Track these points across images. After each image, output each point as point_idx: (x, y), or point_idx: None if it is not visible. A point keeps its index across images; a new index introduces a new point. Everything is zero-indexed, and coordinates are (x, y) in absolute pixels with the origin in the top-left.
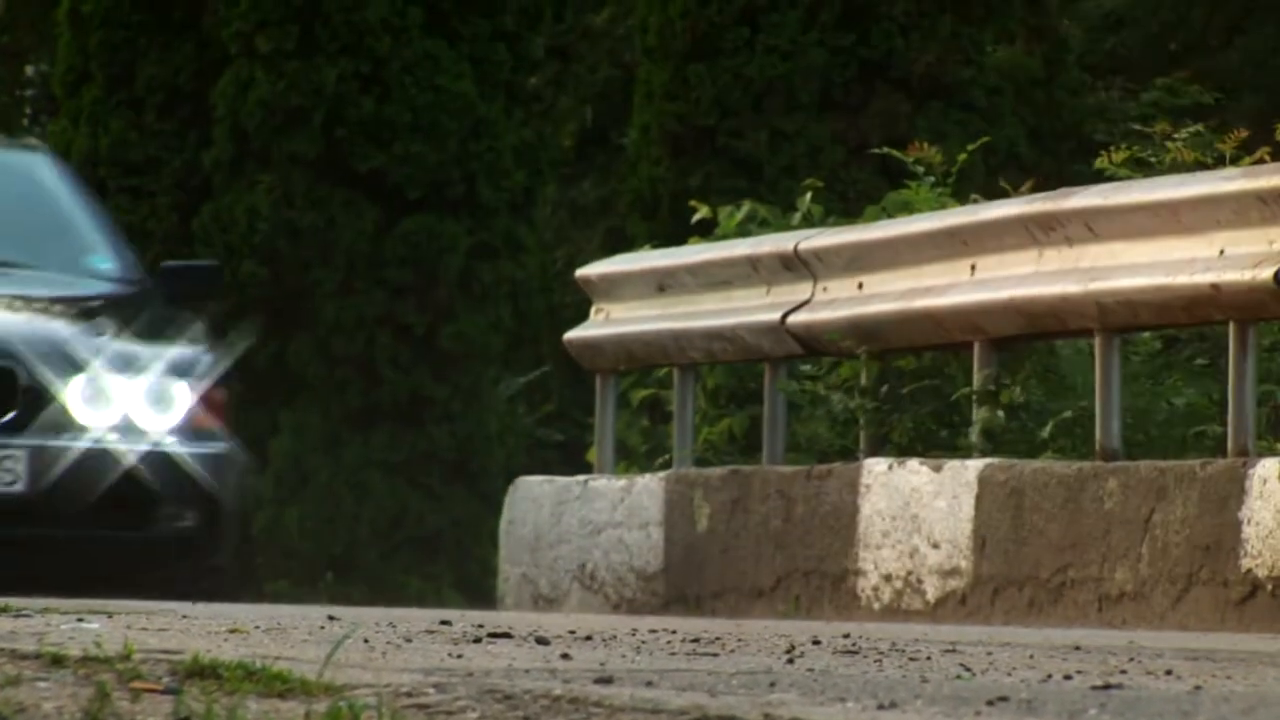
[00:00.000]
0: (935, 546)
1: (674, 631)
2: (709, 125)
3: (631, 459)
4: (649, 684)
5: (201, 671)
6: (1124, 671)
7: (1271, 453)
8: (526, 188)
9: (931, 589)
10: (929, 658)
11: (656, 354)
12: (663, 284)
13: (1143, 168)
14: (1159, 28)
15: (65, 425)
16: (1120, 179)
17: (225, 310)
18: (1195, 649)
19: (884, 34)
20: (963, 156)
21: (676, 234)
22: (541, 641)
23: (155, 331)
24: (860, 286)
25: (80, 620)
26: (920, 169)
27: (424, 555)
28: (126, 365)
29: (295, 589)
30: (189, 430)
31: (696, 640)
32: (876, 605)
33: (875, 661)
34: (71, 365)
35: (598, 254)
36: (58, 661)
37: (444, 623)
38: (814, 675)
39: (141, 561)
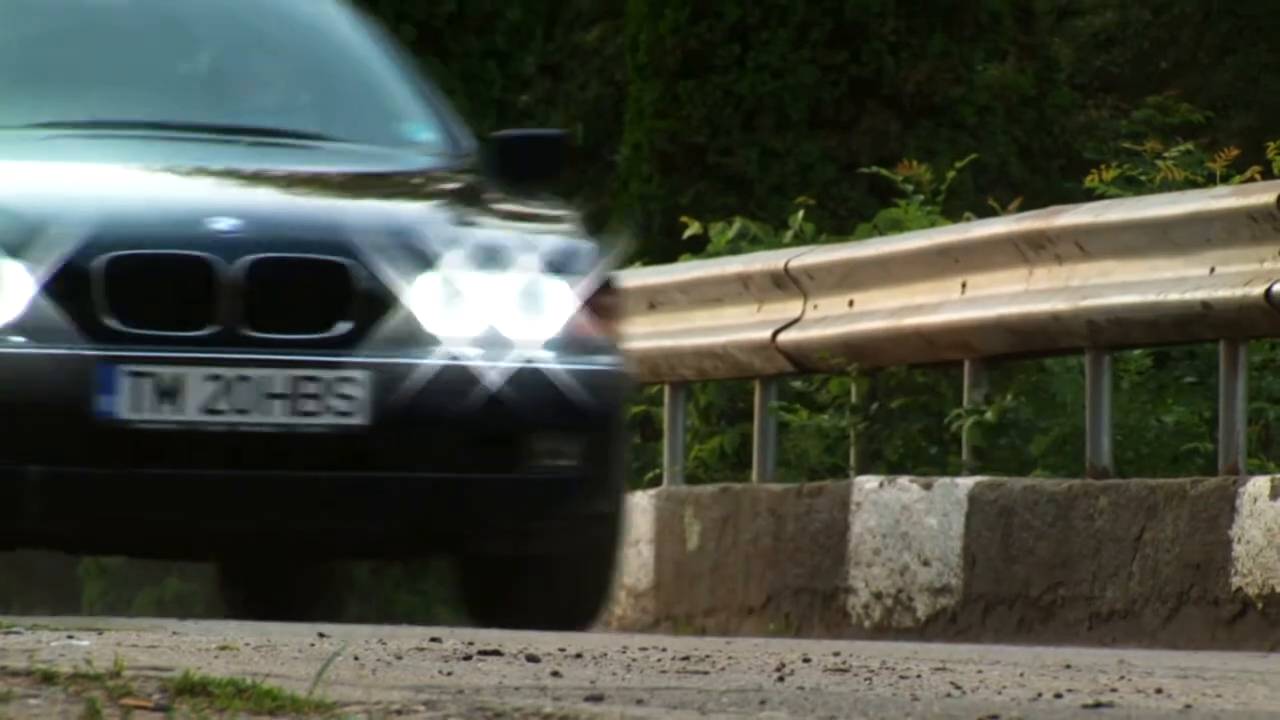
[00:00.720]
0: (926, 564)
1: (664, 649)
2: (700, 143)
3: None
4: (639, 702)
5: (192, 689)
6: (1114, 690)
7: (1262, 471)
8: None
9: (922, 607)
10: (919, 676)
11: (647, 371)
12: (654, 301)
13: (1133, 186)
14: (1149, 46)
15: (414, 338)
16: (1111, 197)
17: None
18: (1186, 667)
19: (874, 52)
20: (951, 174)
21: (667, 251)
22: (532, 659)
23: (518, 217)
24: (851, 304)
25: (71, 637)
26: (909, 187)
27: (414, 572)
28: (490, 259)
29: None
30: (570, 343)
31: (687, 658)
32: (867, 623)
33: (865, 680)
34: (420, 260)
35: None
36: (48, 678)
37: (434, 640)
38: (804, 693)
39: (507, 512)
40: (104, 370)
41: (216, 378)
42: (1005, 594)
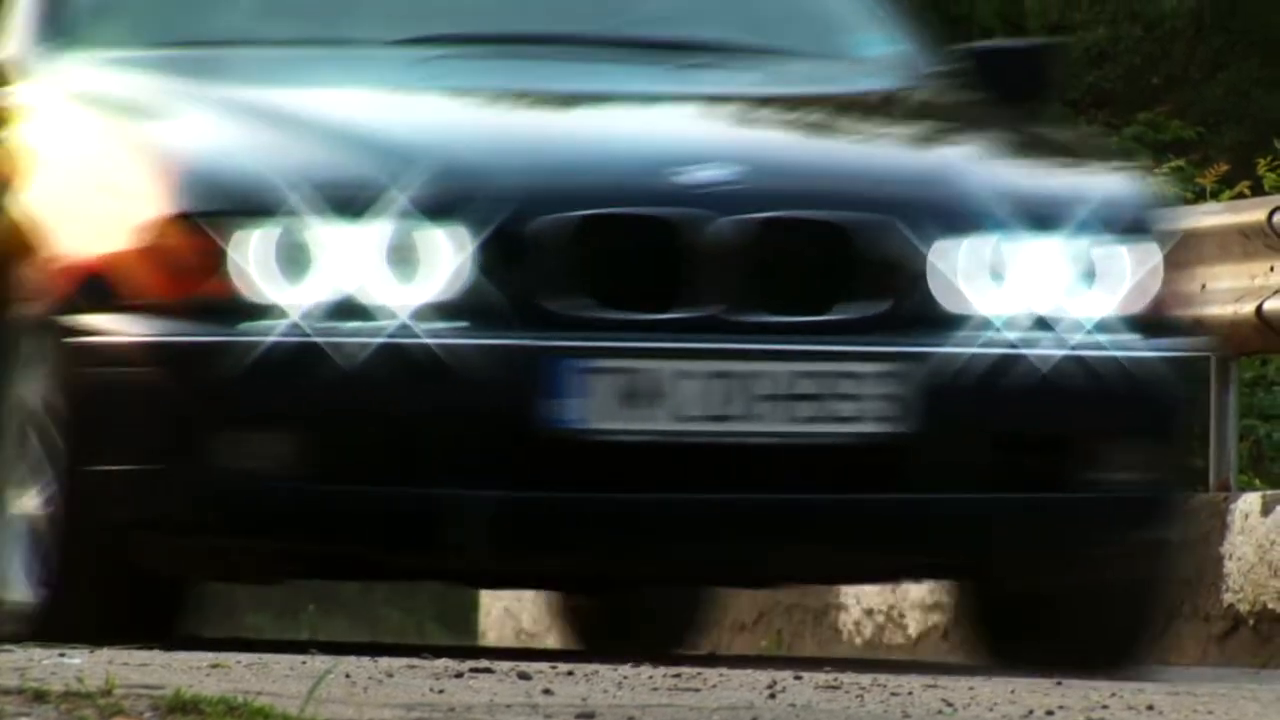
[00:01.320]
0: (917, 580)
1: (656, 666)
2: None
3: None
4: (631, 719)
5: (183, 707)
6: (1106, 706)
7: (1253, 488)
8: None
9: (913, 623)
10: (910, 693)
11: None
12: None
13: None
14: (1141, 61)
15: (950, 320)
16: None
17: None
18: (1177, 684)
19: None
20: None
21: None
22: (523, 677)
23: (1050, 158)
24: None
25: (62, 655)
26: None
27: (406, 589)
28: (1036, 216)
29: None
30: (1143, 321)
31: (678, 675)
32: (858, 640)
33: (857, 696)
34: (953, 219)
35: None
36: (40, 697)
37: (426, 657)
38: (795, 710)
39: (1056, 538)
40: (553, 366)
41: (697, 375)
42: None
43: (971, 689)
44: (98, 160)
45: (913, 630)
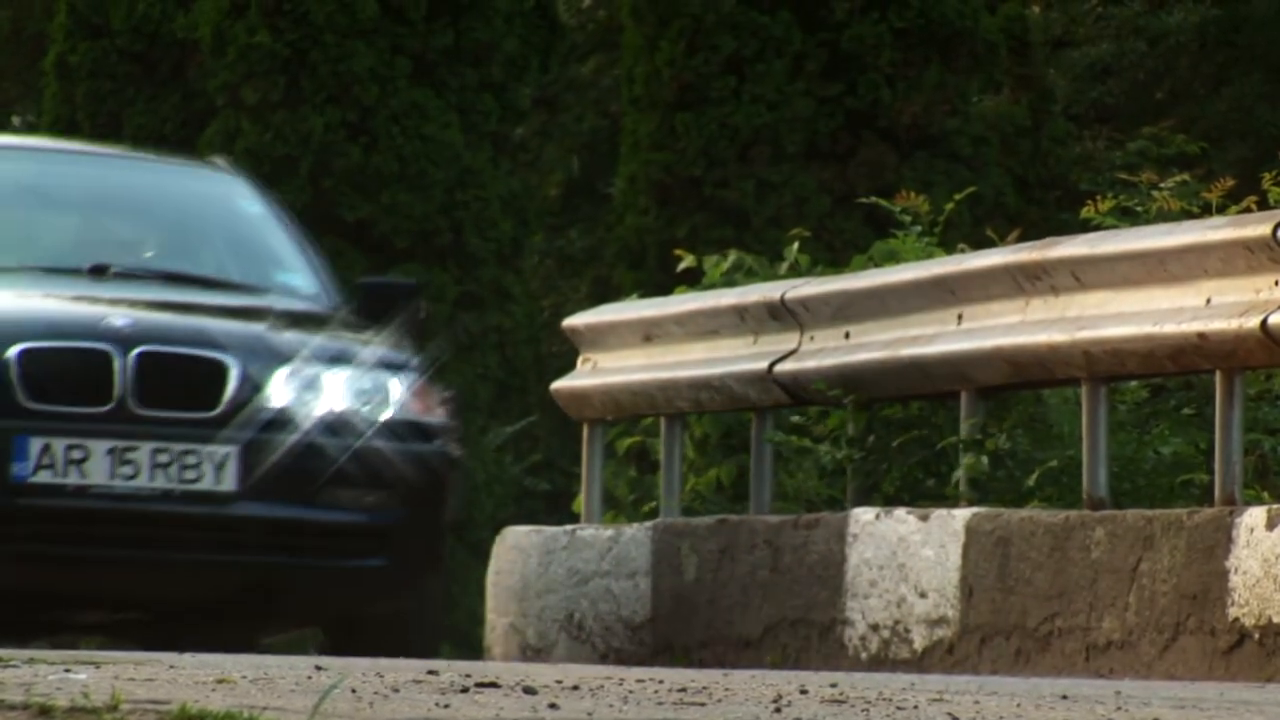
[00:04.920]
0: (922, 595)
1: (661, 681)
2: (695, 175)
3: (619, 509)
4: None
5: None
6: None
7: (1259, 502)
8: (514, 237)
9: (919, 638)
10: (916, 707)
11: (643, 403)
12: (649, 334)
13: (1129, 217)
14: (1145, 77)
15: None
16: (1106, 228)
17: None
18: (1183, 698)
19: (870, 84)
20: (950, 206)
21: (663, 283)
22: (529, 691)
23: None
24: (847, 336)
25: (68, 670)
26: (908, 218)
27: None
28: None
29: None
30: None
31: (684, 690)
32: (864, 655)
33: (863, 711)
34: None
35: (585, 304)
36: (45, 712)
37: (431, 672)
38: None
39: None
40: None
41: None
42: (1002, 625)
43: (977, 703)
44: None
45: (918, 645)
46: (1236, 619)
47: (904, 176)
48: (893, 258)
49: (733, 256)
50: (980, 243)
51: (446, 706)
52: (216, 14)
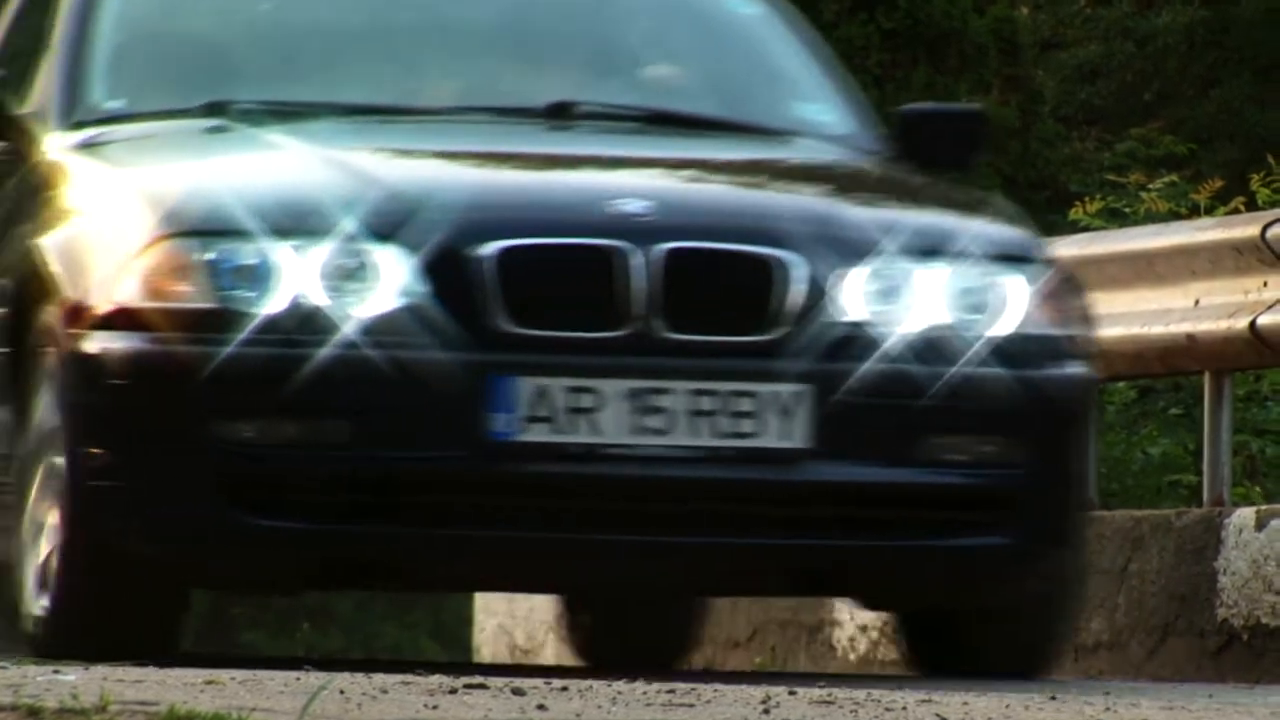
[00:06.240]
0: None
1: (650, 683)
2: None
3: None
4: None
5: None
6: None
7: (1247, 502)
8: None
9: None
10: (905, 708)
11: None
12: None
13: (1117, 218)
14: (1133, 78)
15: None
16: (1095, 229)
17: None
18: (1172, 699)
19: (859, 84)
20: None
21: None
22: (518, 693)
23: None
24: None
25: (56, 671)
26: None
27: (400, 605)
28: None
29: (272, 639)
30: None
31: (672, 691)
32: (853, 656)
33: (851, 712)
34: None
35: None
36: (34, 713)
37: (419, 673)
38: None
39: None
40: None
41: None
42: None
43: (965, 704)
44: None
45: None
46: (1225, 620)
47: None
48: None
49: None
50: None
51: (435, 708)
52: None
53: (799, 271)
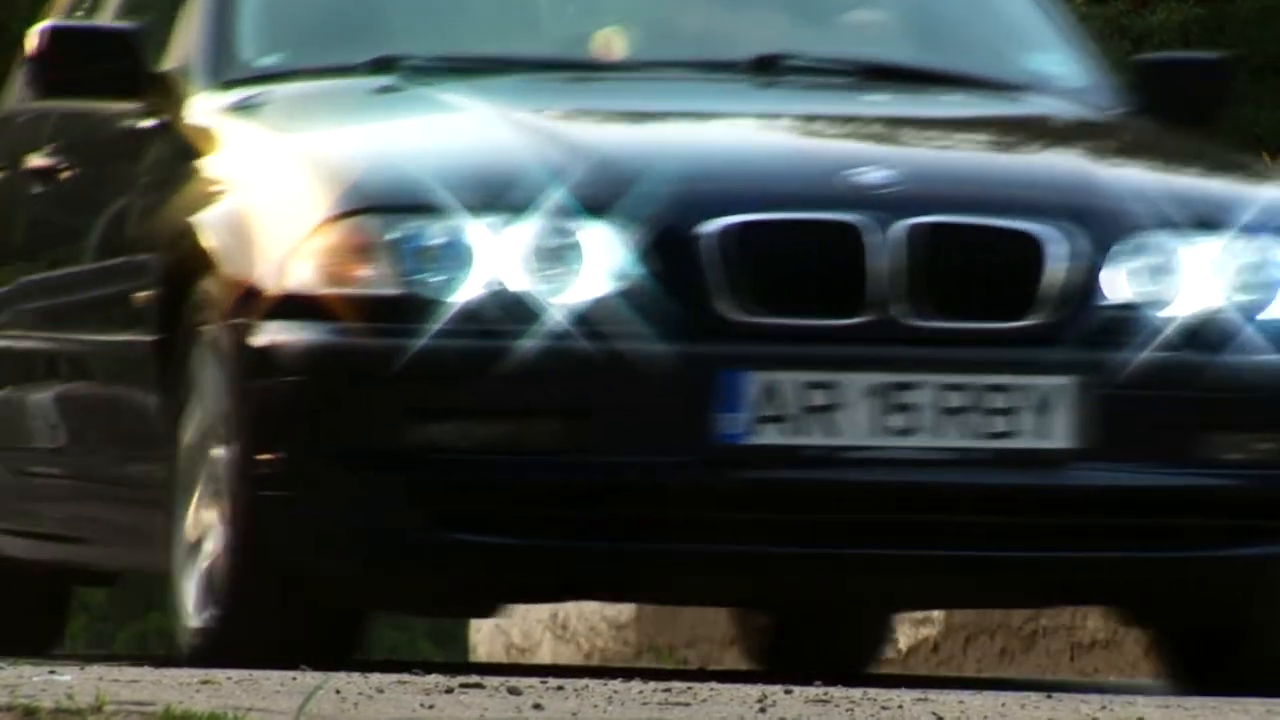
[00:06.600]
0: None
1: (646, 681)
2: None
3: None
4: None
5: None
6: (1096, 719)
7: None
8: None
9: (903, 637)
10: (901, 706)
11: None
12: None
13: None
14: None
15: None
16: None
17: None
18: (1168, 697)
19: None
20: None
21: None
22: (514, 692)
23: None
24: None
25: (52, 672)
26: None
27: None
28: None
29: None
30: None
31: (668, 690)
32: None
33: (847, 710)
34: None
35: None
36: (30, 714)
37: (416, 673)
38: None
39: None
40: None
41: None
42: (987, 624)
43: (961, 703)
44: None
45: (903, 644)
46: None
47: None
48: None
49: None
50: None
51: (431, 707)
52: None
53: (1062, 248)
